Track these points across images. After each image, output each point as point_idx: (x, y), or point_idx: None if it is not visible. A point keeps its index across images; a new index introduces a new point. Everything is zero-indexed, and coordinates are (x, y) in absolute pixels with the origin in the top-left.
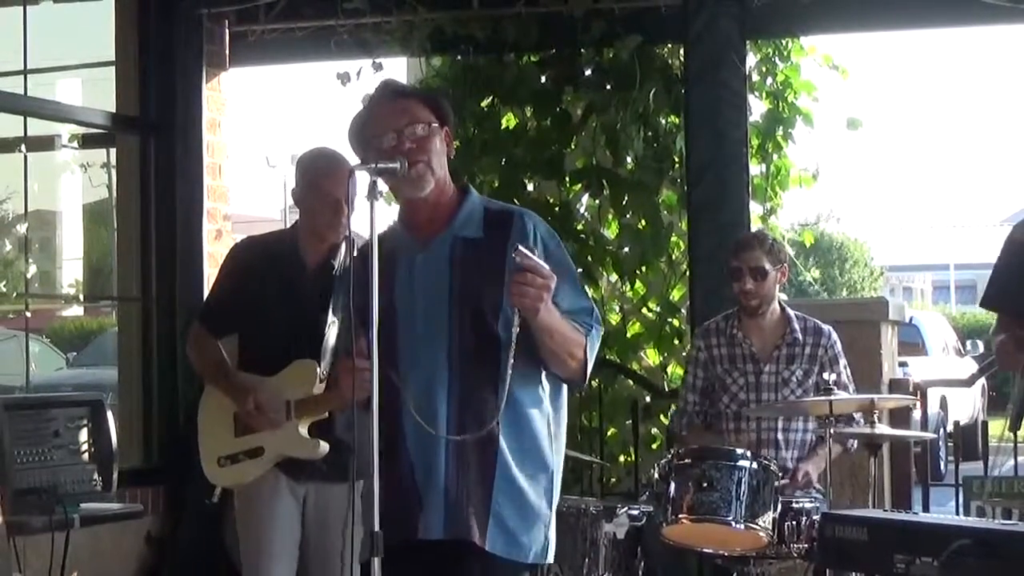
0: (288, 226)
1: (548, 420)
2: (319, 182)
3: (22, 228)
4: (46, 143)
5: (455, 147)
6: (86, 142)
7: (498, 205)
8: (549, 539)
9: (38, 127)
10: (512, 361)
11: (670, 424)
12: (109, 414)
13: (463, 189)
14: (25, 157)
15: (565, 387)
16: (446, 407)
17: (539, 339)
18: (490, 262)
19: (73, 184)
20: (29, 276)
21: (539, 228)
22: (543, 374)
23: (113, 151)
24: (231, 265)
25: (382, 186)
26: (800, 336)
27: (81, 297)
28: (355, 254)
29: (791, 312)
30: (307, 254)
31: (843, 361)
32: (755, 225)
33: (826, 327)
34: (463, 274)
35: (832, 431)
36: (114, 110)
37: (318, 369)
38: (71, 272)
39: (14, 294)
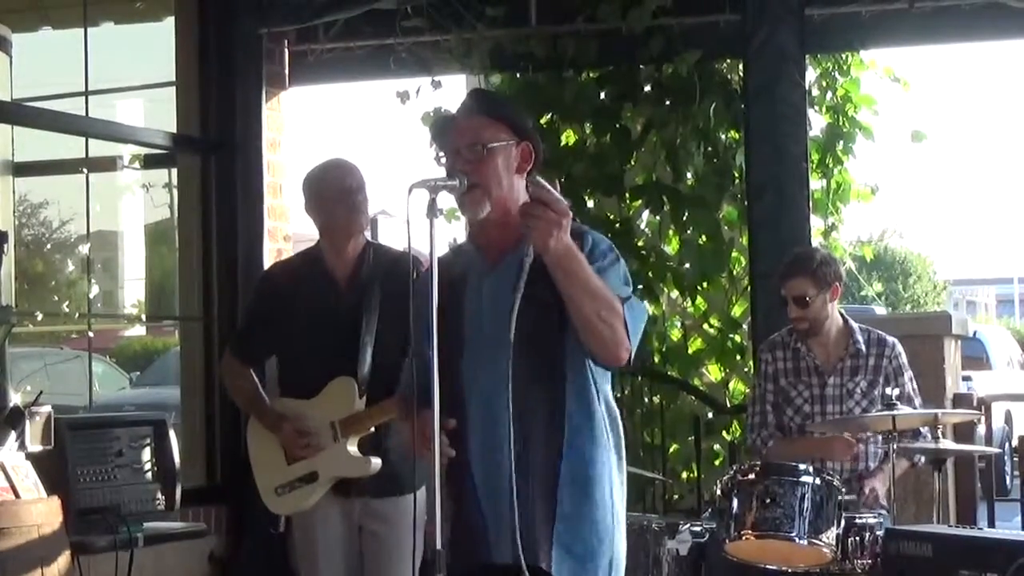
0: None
1: (606, 435)
2: (321, 182)
3: (84, 248)
4: (108, 164)
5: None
6: (147, 162)
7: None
8: (615, 562)
9: (100, 148)
10: (522, 291)
11: (745, 439)
12: (172, 433)
13: None
14: (87, 178)
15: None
16: (509, 430)
17: (560, 285)
18: (555, 290)
19: (135, 204)
20: (92, 296)
21: (598, 246)
22: (595, 389)
23: (174, 171)
24: (259, 293)
25: (443, 203)
26: (863, 347)
27: (143, 317)
28: (422, 275)
29: (854, 324)
30: (335, 268)
31: (908, 373)
32: (816, 240)
33: (890, 338)
34: (527, 300)
35: (896, 446)
36: (175, 130)
37: (356, 385)
38: (133, 292)
39: (77, 314)
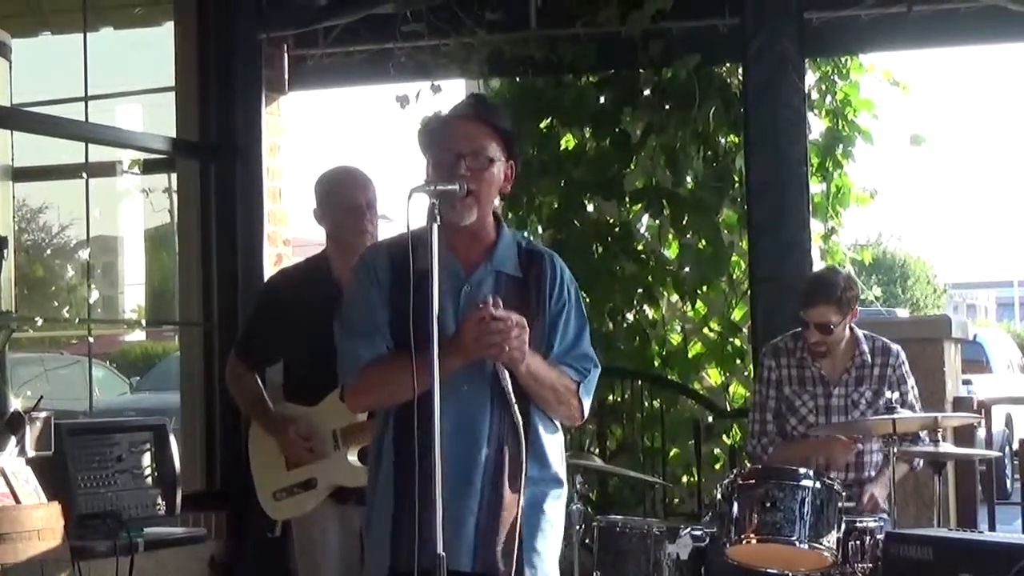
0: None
1: (560, 444)
2: (334, 192)
3: (84, 254)
4: (107, 169)
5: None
6: (147, 167)
7: (527, 242)
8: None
9: (99, 153)
10: (518, 414)
11: (746, 446)
12: (172, 438)
13: (497, 220)
14: (87, 183)
15: None
16: (486, 442)
17: (527, 387)
18: (529, 303)
19: (135, 209)
20: (92, 302)
21: (565, 273)
22: None
23: (174, 176)
24: (264, 299)
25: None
26: (869, 357)
27: (143, 322)
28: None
29: (859, 333)
30: (341, 275)
31: (911, 380)
32: (816, 243)
33: (894, 346)
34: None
35: (896, 450)
36: (175, 135)
37: None
38: (133, 297)
39: (77, 319)
